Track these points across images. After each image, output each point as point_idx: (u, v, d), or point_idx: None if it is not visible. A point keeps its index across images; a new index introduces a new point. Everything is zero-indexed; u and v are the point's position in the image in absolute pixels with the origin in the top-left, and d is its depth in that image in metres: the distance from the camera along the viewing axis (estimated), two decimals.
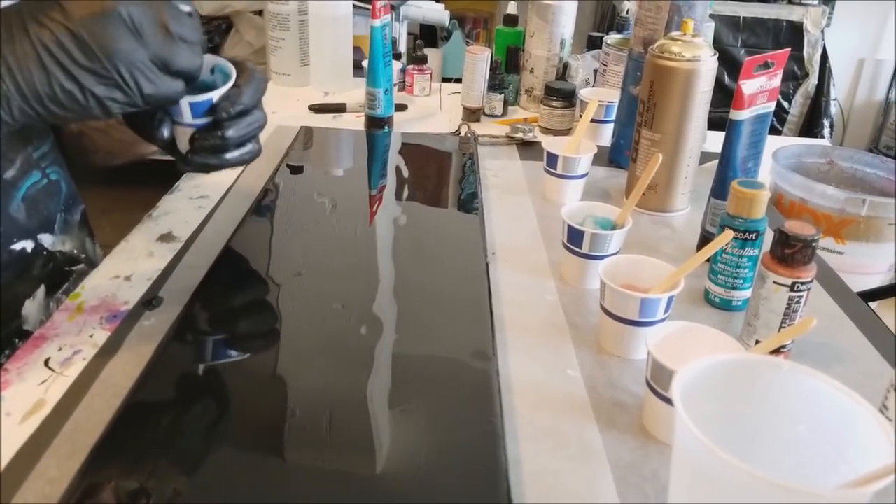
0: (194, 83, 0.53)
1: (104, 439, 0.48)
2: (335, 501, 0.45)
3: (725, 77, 2.30)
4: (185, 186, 0.92)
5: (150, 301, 0.66)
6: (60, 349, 0.59)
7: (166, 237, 0.78)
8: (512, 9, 1.33)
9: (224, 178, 0.94)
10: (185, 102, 0.56)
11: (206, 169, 0.60)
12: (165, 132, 0.58)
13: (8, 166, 0.64)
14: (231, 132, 0.58)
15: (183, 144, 0.59)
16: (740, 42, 2.56)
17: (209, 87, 0.57)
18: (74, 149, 0.78)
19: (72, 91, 0.47)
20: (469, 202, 0.89)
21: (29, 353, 0.58)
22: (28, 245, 0.67)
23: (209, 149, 0.58)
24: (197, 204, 0.87)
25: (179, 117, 0.58)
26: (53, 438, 0.50)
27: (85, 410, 0.52)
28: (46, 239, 0.69)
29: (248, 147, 0.60)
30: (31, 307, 0.67)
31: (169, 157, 0.62)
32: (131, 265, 0.72)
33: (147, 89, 0.49)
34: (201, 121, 0.58)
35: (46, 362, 0.58)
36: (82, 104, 0.48)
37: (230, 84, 0.57)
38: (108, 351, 0.59)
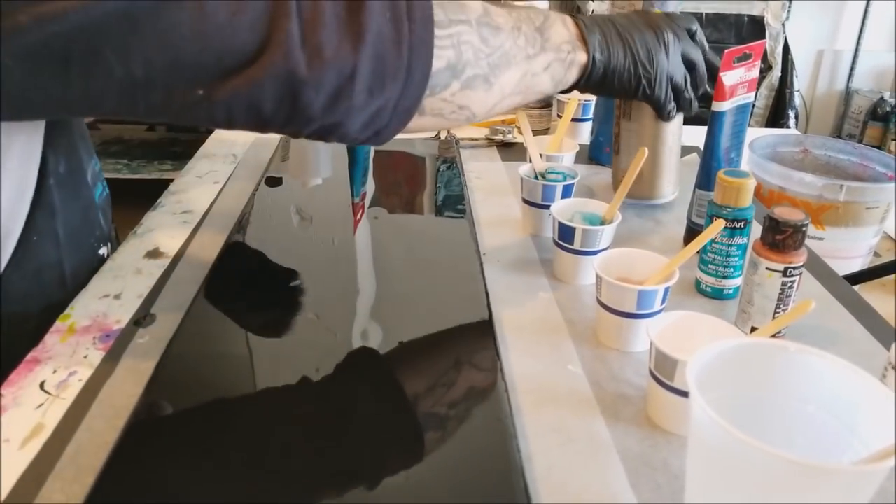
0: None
1: (110, 461, 0.47)
2: None
3: None
4: (167, 202, 0.90)
5: (142, 319, 0.65)
6: (55, 371, 0.58)
7: (153, 253, 0.77)
8: None
9: (206, 192, 0.93)
10: None
11: None
12: None
13: (90, 180, 0.71)
14: None
15: None
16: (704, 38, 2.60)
17: None
18: None
19: (632, 73, 0.70)
20: (455, 205, 0.89)
21: (23, 378, 0.57)
22: (105, 251, 0.74)
23: None
24: (181, 219, 0.85)
25: None
26: (56, 463, 0.48)
27: (86, 433, 0.51)
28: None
29: None
30: None
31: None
32: (120, 283, 0.71)
33: (657, 92, 0.73)
34: None
35: (42, 385, 0.56)
36: (630, 86, 0.71)
37: None
38: (104, 371, 0.58)
